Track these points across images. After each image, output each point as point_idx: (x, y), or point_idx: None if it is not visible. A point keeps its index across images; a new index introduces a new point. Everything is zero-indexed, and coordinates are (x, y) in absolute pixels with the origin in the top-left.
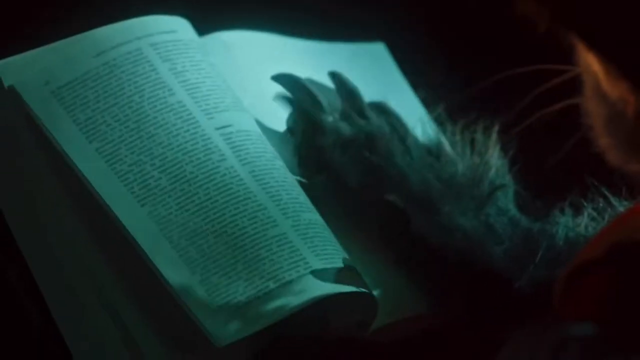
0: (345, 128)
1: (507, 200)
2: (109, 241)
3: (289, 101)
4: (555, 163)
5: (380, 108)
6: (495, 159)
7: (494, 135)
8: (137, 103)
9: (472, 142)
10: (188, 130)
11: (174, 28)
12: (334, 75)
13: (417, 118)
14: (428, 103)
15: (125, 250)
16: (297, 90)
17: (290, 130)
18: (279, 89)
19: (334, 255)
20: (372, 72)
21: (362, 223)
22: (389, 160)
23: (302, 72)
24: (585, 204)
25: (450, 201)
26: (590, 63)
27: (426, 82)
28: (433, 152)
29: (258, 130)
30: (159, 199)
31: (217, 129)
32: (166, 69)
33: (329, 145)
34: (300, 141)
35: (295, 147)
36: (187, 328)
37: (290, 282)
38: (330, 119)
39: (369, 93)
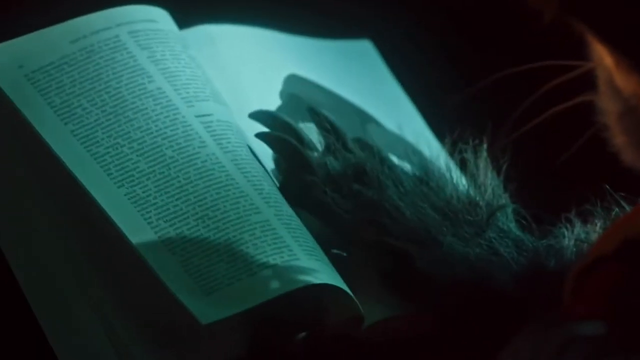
0: (332, 162)
1: (507, 221)
2: (86, 228)
3: (270, 139)
4: (554, 172)
5: (361, 142)
6: (489, 180)
7: (484, 154)
8: (114, 88)
9: (462, 161)
10: (167, 116)
11: (153, 18)
12: (313, 111)
13: (406, 116)
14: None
15: (104, 237)
16: (278, 127)
17: (276, 166)
18: (265, 82)
19: (316, 250)
20: (359, 70)
21: (359, 265)
22: (383, 193)
23: (288, 68)
24: (595, 211)
25: (450, 230)
26: (602, 56)
27: (418, 81)
28: (423, 179)
29: (238, 125)
30: (136, 181)
31: (197, 116)
32: (145, 57)
33: (318, 182)
34: (287, 179)
35: (282, 185)
36: (172, 321)
37: (274, 266)
38: (315, 154)
39: (356, 92)
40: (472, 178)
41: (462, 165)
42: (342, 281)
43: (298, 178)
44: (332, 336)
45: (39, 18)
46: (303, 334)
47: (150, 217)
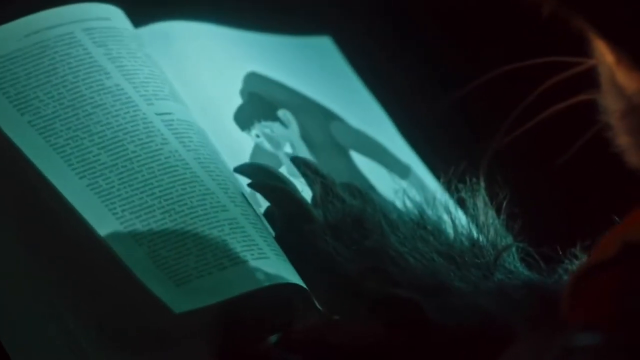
0: (330, 211)
1: (514, 261)
2: (46, 226)
3: (264, 188)
4: (556, 204)
5: (350, 188)
6: (490, 219)
7: (482, 192)
8: (71, 82)
9: (459, 200)
10: (128, 112)
11: (107, 16)
12: (298, 161)
13: (370, 116)
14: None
15: (65, 235)
16: (267, 179)
17: (268, 218)
18: (224, 81)
19: (282, 253)
20: (319, 68)
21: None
22: (385, 240)
23: (247, 65)
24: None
25: (457, 275)
26: (604, 53)
27: (381, 79)
28: (419, 222)
29: (200, 125)
30: (99, 173)
31: (158, 114)
32: (101, 54)
33: (318, 230)
34: (284, 228)
35: (278, 235)
36: (136, 327)
37: (245, 262)
38: (311, 203)
39: (317, 90)
40: (472, 218)
41: (459, 204)
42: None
43: (296, 227)
44: (303, 339)
45: None
46: (274, 336)
47: (115, 208)
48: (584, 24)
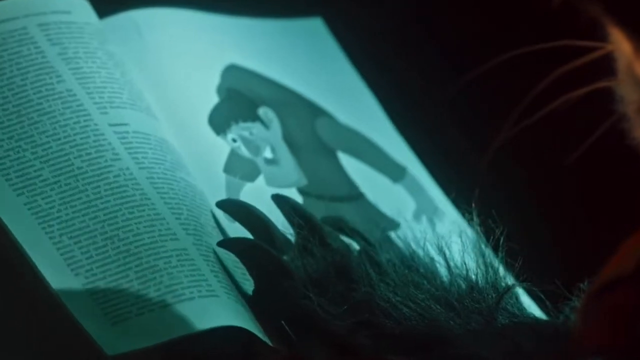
0: (310, 264)
1: (517, 302)
2: None
3: (237, 247)
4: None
5: (337, 224)
6: (488, 258)
7: (478, 229)
8: (18, 86)
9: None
10: (78, 122)
11: (67, 9)
12: (280, 199)
13: (360, 104)
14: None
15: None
16: (246, 220)
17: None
18: (200, 76)
19: (233, 290)
20: (309, 53)
21: None
22: (374, 292)
23: (226, 56)
24: None
25: (457, 324)
26: (620, 41)
27: (373, 63)
28: (412, 265)
29: (160, 136)
30: (39, 190)
31: (111, 125)
32: (55, 53)
33: (299, 287)
34: (261, 288)
35: (255, 296)
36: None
37: (191, 300)
38: (291, 256)
39: (305, 77)
40: (474, 257)
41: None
42: (258, 328)
43: (274, 286)
44: None
45: None
46: None
47: (52, 232)
48: (600, 11)
